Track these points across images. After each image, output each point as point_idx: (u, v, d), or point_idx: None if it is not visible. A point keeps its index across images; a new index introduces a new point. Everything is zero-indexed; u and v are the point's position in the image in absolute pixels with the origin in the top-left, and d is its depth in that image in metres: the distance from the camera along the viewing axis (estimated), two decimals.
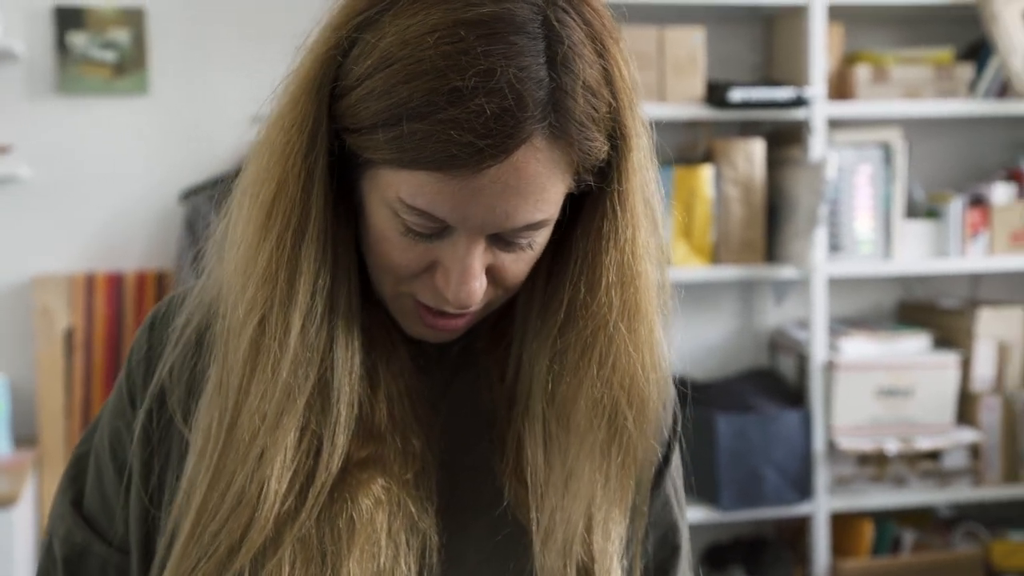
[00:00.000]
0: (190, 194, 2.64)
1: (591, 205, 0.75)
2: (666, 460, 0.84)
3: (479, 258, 0.73)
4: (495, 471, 0.79)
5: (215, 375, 0.76)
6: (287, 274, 0.73)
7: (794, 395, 2.79)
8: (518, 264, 0.75)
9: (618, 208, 0.74)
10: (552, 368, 0.76)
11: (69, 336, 2.64)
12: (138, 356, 0.83)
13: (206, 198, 2.62)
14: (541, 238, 0.75)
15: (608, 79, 0.72)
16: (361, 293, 0.77)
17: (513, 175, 0.69)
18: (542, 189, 0.70)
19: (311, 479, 0.74)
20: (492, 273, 0.75)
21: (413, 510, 0.76)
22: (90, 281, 2.65)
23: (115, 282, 2.66)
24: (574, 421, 0.76)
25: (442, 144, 0.67)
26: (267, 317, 0.73)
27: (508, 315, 0.80)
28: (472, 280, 0.73)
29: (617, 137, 0.72)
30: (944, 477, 2.80)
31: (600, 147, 0.72)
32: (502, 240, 0.73)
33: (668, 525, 0.85)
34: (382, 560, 0.74)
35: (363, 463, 0.76)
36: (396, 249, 0.74)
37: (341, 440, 0.75)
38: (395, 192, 0.71)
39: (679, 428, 0.85)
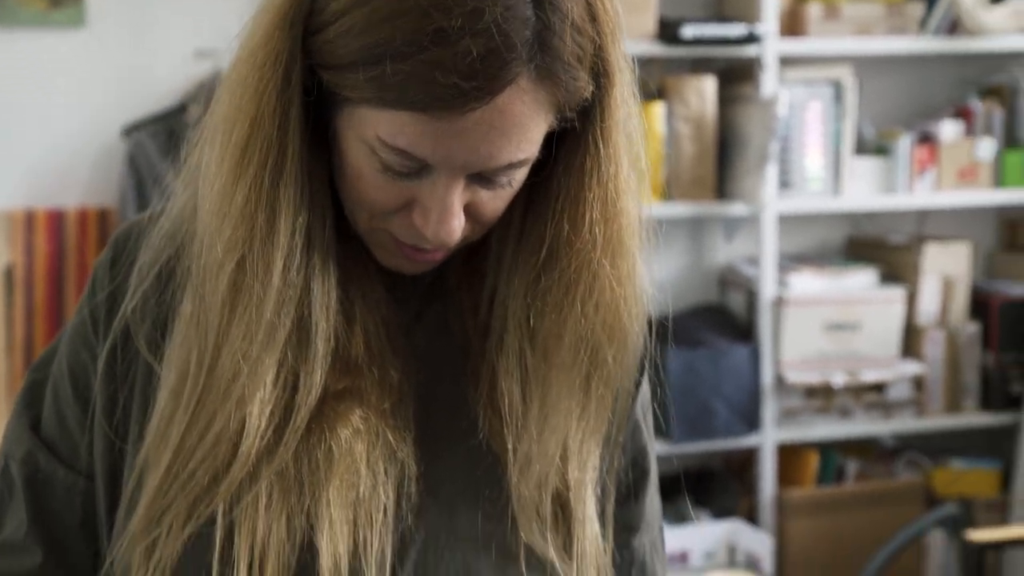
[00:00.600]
0: (132, 130, 2.59)
1: (572, 142, 0.75)
2: (637, 387, 0.85)
3: (459, 197, 0.72)
4: (469, 402, 0.79)
5: (189, 312, 0.75)
6: (266, 214, 0.72)
7: (743, 330, 2.83)
8: (496, 201, 0.75)
9: (600, 144, 0.73)
10: (533, 305, 0.76)
11: (9, 273, 2.59)
12: (101, 291, 0.81)
13: (149, 134, 2.56)
14: (520, 175, 0.74)
15: (592, 15, 0.71)
16: (335, 225, 0.76)
17: (498, 117, 0.68)
18: (526, 129, 0.70)
19: (289, 414, 0.74)
20: (469, 210, 0.74)
21: (392, 439, 0.76)
22: (30, 218, 2.60)
23: (56, 219, 2.61)
24: (556, 357, 0.77)
25: (426, 85, 0.66)
26: (246, 257, 0.72)
27: (481, 248, 0.80)
28: (452, 219, 0.72)
29: (600, 73, 0.72)
30: (888, 408, 2.87)
31: (585, 85, 0.71)
32: (482, 179, 0.73)
33: (638, 450, 0.86)
34: (361, 489, 0.74)
35: (340, 395, 0.76)
36: (372, 187, 0.73)
37: (318, 374, 0.75)
38: (374, 131, 0.70)
39: (648, 356, 0.86)
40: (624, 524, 0.84)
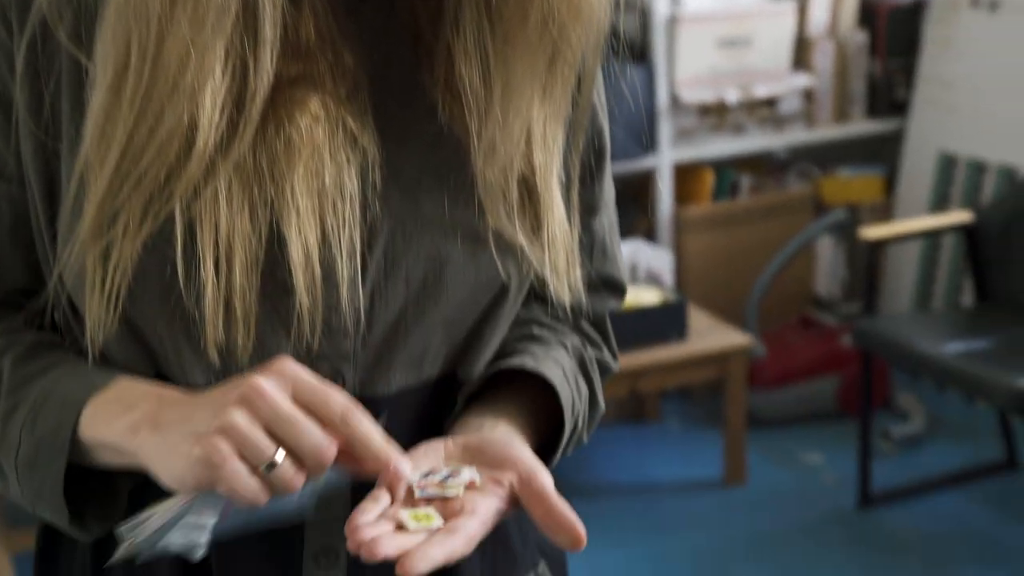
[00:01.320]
0: None
1: None
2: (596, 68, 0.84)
3: None
4: (424, 87, 0.76)
5: None
6: None
7: (637, 52, 2.81)
8: None
9: None
10: None
11: None
12: None
13: None
14: None
15: None
16: None
17: None
18: None
19: (242, 103, 0.69)
20: None
21: (352, 126, 0.73)
22: None
23: None
24: (520, 38, 0.73)
25: None
26: None
27: None
28: None
29: None
30: (780, 122, 2.93)
31: None
32: None
33: (596, 130, 0.85)
34: (326, 178, 0.71)
35: (295, 82, 0.72)
36: None
37: (268, 59, 0.70)
38: None
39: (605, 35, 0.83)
40: (585, 205, 0.84)
